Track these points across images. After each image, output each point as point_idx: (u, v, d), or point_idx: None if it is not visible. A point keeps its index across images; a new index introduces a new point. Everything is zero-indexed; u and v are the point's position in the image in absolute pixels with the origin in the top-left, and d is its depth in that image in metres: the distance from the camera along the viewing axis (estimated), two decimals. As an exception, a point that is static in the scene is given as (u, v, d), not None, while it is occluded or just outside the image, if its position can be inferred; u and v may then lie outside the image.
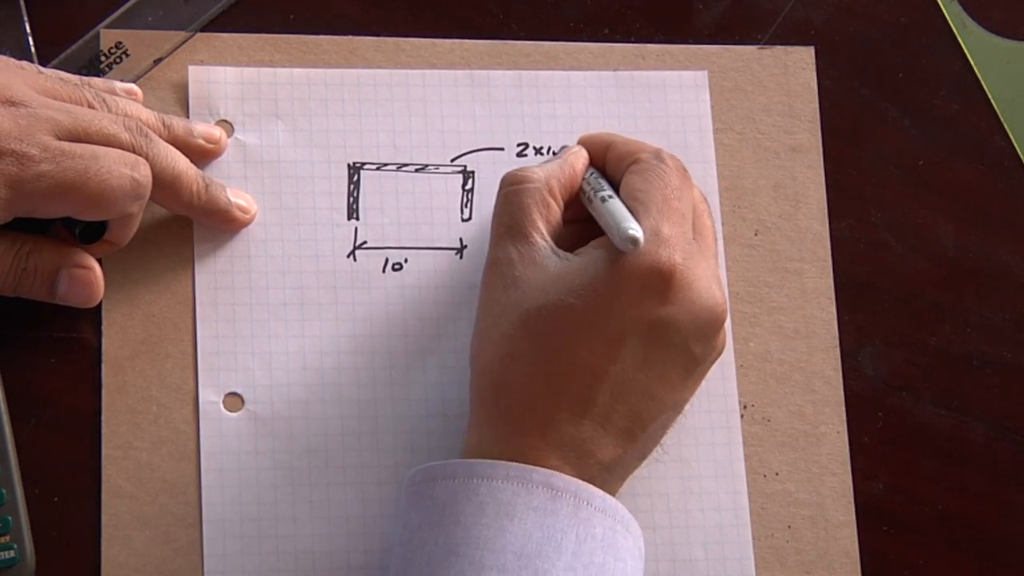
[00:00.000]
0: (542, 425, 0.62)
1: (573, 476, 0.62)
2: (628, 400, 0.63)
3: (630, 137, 0.71)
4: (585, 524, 0.61)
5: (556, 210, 0.67)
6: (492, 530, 0.60)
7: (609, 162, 0.69)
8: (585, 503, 0.61)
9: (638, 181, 0.66)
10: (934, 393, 0.75)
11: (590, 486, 0.62)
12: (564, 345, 0.63)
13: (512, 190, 0.67)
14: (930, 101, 0.78)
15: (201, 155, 0.71)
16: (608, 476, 0.64)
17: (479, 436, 0.64)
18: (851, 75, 0.78)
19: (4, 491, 0.65)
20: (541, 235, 0.65)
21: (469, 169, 0.74)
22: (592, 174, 0.68)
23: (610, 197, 0.65)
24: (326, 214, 0.72)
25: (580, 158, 0.69)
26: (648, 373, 0.63)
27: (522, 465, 0.61)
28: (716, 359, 0.67)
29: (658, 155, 0.67)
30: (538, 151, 0.74)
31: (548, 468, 0.62)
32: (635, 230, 0.62)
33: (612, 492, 0.64)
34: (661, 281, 0.63)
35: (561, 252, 0.65)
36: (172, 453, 0.68)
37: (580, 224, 0.67)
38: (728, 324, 0.73)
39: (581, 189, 0.68)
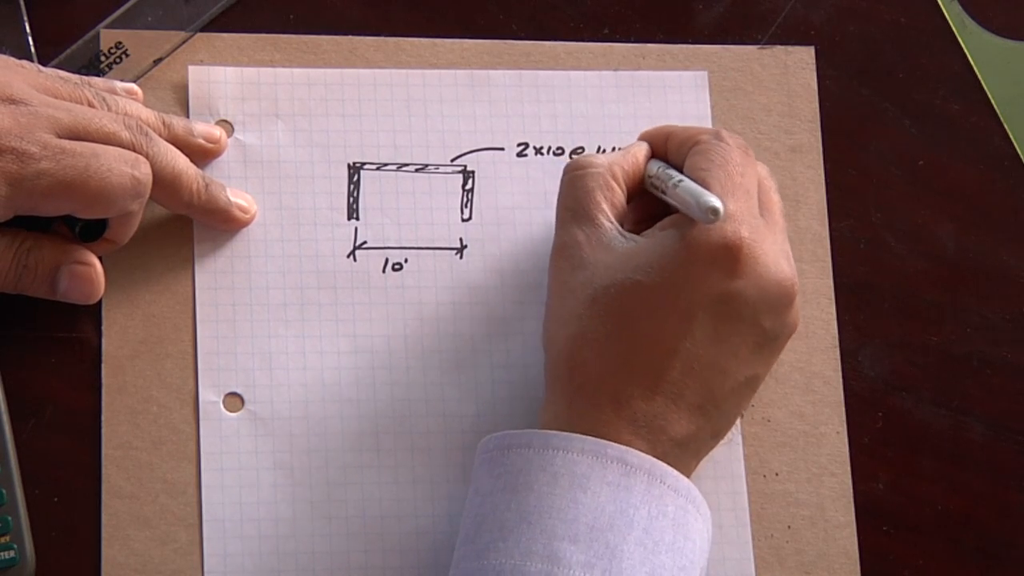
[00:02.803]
0: (615, 401, 0.63)
1: (646, 452, 0.62)
2: (700, 375, 0.64)
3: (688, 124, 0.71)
4: (657, 502, 0.62)
5: (620, 194, 0.67)
6: (565, 500, 0.61)
7: (670, 150, 0.69)
8: (658, 481, 0.62)
9: (699, 160, 0.67)
10: (934, 393, 0.75)
11: (664, 464, 0.62)
12: (634, 322, 0.63)
13: (576, 175, 0.67)
14: (930, 101, 0.78)
15: (201, 155, 0.71)
16: (681, 453, 0.64)
17: (554, 413, 0.64)
18: (851, 75, 0.78)
19: (4, 491, 0.65)
20: (607, 217, 0.66)
21: (469, 169, 0.74)
22: (659, 167, 0.68)
23: (681, 181, 0.66)
24: (326, 214, 0.72)
25: (642, 148, 0.70)
26: (719, 348, 0.64)
27: (598, 440, 0.62)
28: (789, 336, 0.68)
29: (717, 135, 0.68)
30: (538, 151, 0.74)
31: (621, 443, 0.62)
32: (714, 201, 0.62)
33: (685, 470, 0.64)
34: (728, 256, 0.63)
35: (627, 234, 0.66)
36: (172, 453, 0.68)
37: (647, 223, 0.67)
38: None
39: (652, 184, 0.68)
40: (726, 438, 0.68)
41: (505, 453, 0.63)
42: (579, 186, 0.67)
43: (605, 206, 0.66)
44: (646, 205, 0.69)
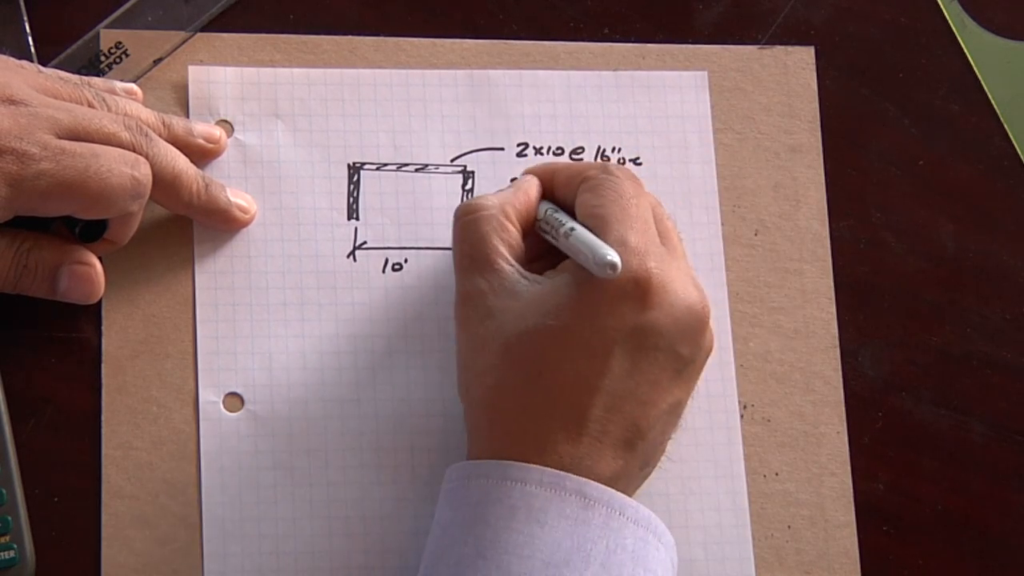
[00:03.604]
0: (538, 448, 0.62)
1: None
2: (622, 410, 0.63)
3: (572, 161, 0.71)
4: (616, 534, 0.61)
5: (515, 233, 0.66)
6: (522, 536, 0.60)
7: (558, 187, 0.68)
8: (618, 513, 0.61)
9: (592, 198, 0.66)
10: (934, 393, 0.75)
11: (624, 496, 0.62)
12: (550, 367, 0.63)
13: (468, 220, 0.66)
14: (930, 101, 0.78)
15: (201, 155, 0.71)
16: (612, 488, 0.63)
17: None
18: (851, 75, 0.78)
19: (4, 491, 0.65)
20: (506, 260, 0.65)
21: (469, 169, 0.74)
22: (547, 210, 0.67)
23: (572, 230, 0.64)
24: (326, 214, 0.72)
25: (532, 184, 0.68)
26: (638, 380, 0.63)
27: (556, 471, 0.61)
28: (707, 358, 0.67)
29: (605, 169, 0.67)
30: (538, 151, 0.74)
31: None
32: (612, 256, 0.62)
33: None
34: (637, 289, 0.63)
35: (530, 276, 0.65)
36: (172, 453, 0.68)
37: (546, 259, 0.66)
38: (727, 324, 0.73)
39: (541, 228, 0.67)
40: (658, 465, 0.67)
41: (465, 483, 0.63)
42: (473, 231, 0.66)
43: (503, 249, 0.65)
44: (542, 241, 0.67)
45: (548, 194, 0.69)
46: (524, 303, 0.64)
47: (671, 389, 0.65)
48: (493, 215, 0.66)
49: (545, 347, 0.63)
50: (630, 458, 0.64)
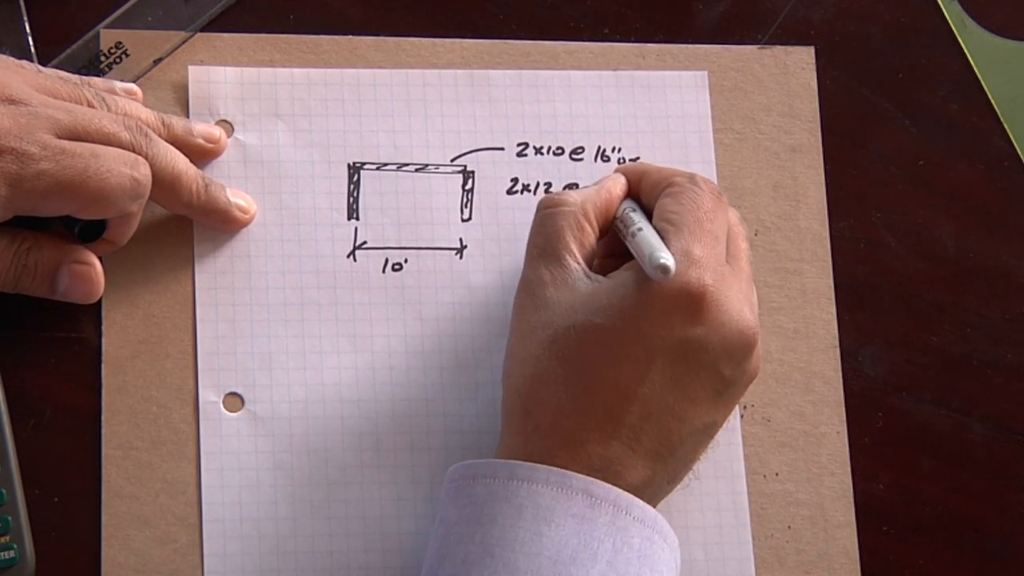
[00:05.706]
0: (570, 445, 0.62)
1: None
2: (657, 421, 0.63)
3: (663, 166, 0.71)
4: (623, 533, 0.61)
5: (590, 233, 0.67)
6: (529, 534, 0.60)
7: (644, 190, 0.69)
8: (624, 512, 0.61)
9: (671, 203, 0.66)
10: (934, 393, 0.75)
11: (630, 495, 0.62)
12: (592, 365, 0.63)
13: (547, 213, 0.67)
14: (930, 101, 0.78)
15: (201, 155, 0.71)
16: (638, 497, 0.63)
17: (509, 453, 0.64)
18: (851, 75, 0.78)
19: (4, 491, 0.65)
20: (574, 257, 0.65)
21: (469, 169, 0.74)
22: (626, 209, 0.67)
23: (640, 230, 0.65)
24: (326, 214, 0.72)
25: (618, 183, 0.69)
26: (677, 394, 0.63)
27: (562, 470, 0.61)
28: (749, 383, 0.67)
29: (692, 179, 0.67)
30: (538, 151, 0.74)
31: None
32: (665, 258, 0.62)
33: None
34: (691, 302, 0.63)
35: (593, 275, 0.65)
36: (172, 453, 0.68)
37: (619, 259, 0.67)
38: None
39: (616, 225, 0.67)
40: (683, 483, 0.67)
41: (470, 483, 0.62)
42: (549, 224, 0.66)
43: (574, 246, 0.66)
44: (617, 241, 0.68)
45: (635, 195, 0.69)
46: (578, 298, 0.64)
47: (708, 408, 0.64)
48: (572, 212, 0.66)
49: (589, 344, 0.63)
50: (659, 470, 0.64)
